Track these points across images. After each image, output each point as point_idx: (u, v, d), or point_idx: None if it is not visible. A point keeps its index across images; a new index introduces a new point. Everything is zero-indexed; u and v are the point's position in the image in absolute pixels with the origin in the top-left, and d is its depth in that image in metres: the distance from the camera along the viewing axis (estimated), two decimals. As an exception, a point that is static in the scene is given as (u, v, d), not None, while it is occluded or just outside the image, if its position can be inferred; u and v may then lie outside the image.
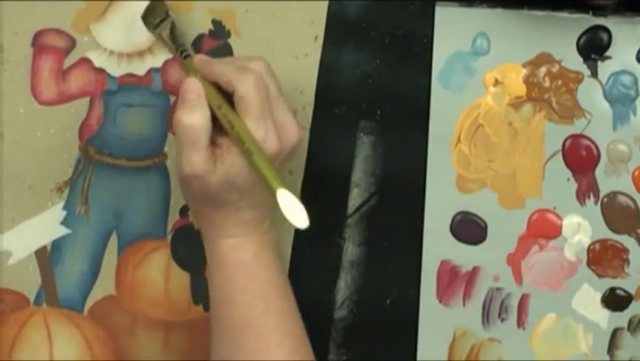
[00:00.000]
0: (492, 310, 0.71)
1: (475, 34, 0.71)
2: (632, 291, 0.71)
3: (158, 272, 0.69)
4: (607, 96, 0.71)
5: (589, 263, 0.71)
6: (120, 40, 0.69)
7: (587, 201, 0.71)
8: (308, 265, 0.70)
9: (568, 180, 0.71)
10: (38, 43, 0.68)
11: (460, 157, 0.71)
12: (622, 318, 0.71)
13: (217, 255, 0.61)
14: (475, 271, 0.71)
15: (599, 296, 0.71)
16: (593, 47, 0.71)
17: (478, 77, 0.71)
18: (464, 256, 0.71)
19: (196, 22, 0.69)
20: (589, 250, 0.71)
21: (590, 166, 0.71)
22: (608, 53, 0.71)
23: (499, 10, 0.71)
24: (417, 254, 0.71)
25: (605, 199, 0.71)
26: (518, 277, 0.71)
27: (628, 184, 0.71)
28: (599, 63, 0.71)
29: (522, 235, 0.71)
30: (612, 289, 0.71)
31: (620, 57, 0.71)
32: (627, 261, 0.71)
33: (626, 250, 0.71)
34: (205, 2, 0.69)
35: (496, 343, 0.71)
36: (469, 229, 0.71)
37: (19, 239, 0.68)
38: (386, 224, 0.71)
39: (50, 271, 0.68)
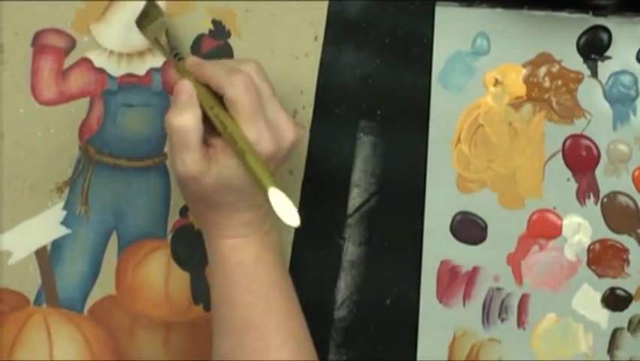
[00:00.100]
0: (492, 310, 0.71)
1: (475, 34, 0.71)
2: (632, 291, 0.71)
3: (158, 272, 0.69)
4: (607, 96, 0.71)
5: (589, 263, 0.71)
6: (120, 40, 0.69)
7: (587, 201, 0.71)
8: (308, 265, 0.70)
9: (568, 180, 0.71)
10: (38, 43, 0.68)
11: (460, 157, 0.71)
12: (622, 318, 0.71)
13: (218, 255, 0.61)
14: (475, 271, 0.71)
15: (599, 296, 0.71)
16: (593, 47, 0.71)
17: (478, 77, 0.71)
18: (464, 256, 0.71)
19: (196, 22, 0.69)
20: (589, 250, 0.71)
21: (590, 166, 0.71)
22: (608, 53, 0.71)
23: (499, 10, 0.71)
24: (417, 254, 0.71)
25: (605, 199, 0.71)
26: (518, 277, 0.71)
27: (628, 184, 0.71)
28: (599, 63, 0.71)
29: (522, 235, 0.71)
30: (612, 289, 0.71)
31: (620, 57, 0.71)
32: (627, 261, 0.71)
33: (626, 250, 0.71)
34: (205, 2, 0.69)
35: (496, 343, 0.71)
36: (469, 229, 0.71)
37: (19, 239, 0.68)
38: (386, 224, 0.71)
39: (50, 271, 0.68)
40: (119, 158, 0.69)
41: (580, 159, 0.71)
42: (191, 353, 0.69)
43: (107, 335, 0.69)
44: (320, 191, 0.70)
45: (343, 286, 0.71)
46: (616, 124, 0.71)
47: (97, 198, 0.69)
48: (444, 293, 0.71)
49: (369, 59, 0.71)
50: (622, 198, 0.71)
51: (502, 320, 0.71)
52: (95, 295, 0.69)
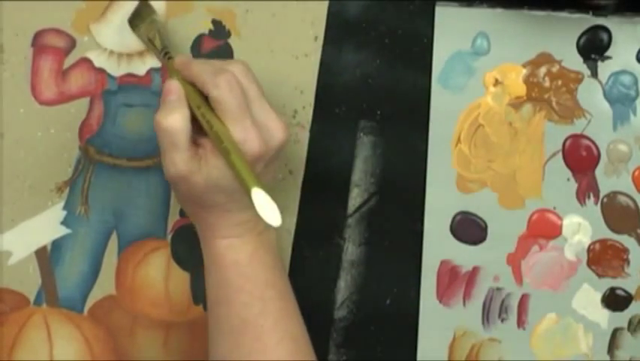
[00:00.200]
0: (492, 310, 0.71)
1: (475, 34, 0.71)
2: (632, 291, 0.71)
3: (158, 272, 0.69)
4: (607, 96, 0.71)
5: (589, 263, 0.71)
6: (120, 40, 0.69)
7: (587, 201, 0.71)
8: (308, 265, 0.70)
9: (568, 180, 0.71)
10: (38, 44, 0.68)
11: (460, 157, 0.71)
12: (622, 318, 0.71)
13: (213, 255, 0.61)
14: (475, 271, 0.71)
15: (599, 296, 0.71)
16: (593, 47, 0.71)
17: (478, 77, 0.71)
18: (464, 256, 0.71)
19: (196, 22, 0.69)
20: (589, 250, 0.71)
21: (590, 166, 0.71)
22: (608, 53, 0.71)
23: (499, 10, 0.71)
24: (417, 254, 0.71)
25: (605, 199, 0.71)
26: (518, 277, 0.71)
27: (628, 184, 0.71)
28: (599, 63, 0.71)
29: (522, 235, 0.71)
30: (612, 289, 0.71)
31: (620, 57, 0.71)
32: (627, 261, 0.71)
33: (626, 250, 0.71)
34: (205, 2, 0.69)
35: (496, 343, 0.71)
36: (469, 229, 0.71)
37: (19, 239, 0.68)
38: (386, 224, 0.71)
39: (50, 271, 0.68)
40: (119, 158, 0.69)
41: (580, 159, 0.71)
42: (191, 353, 0.69)
43: (107, 335, 0.69)
44: (320, 191, 0.70)
45: (343, 286, 0.71)
46: (616, 124, 0.71)
47: (97, 198, 0.69)
48: (444, 293, 0.71)
49: (369, 59, 0.71)
50: (622, 198, 0.71)
51: (502, 320, 0.71)
52: (95, 295, 0.69)
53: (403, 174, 0.71)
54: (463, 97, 0.71)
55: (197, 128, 0.59)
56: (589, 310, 0.71)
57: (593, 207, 0.71)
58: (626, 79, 0.71)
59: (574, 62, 0.71)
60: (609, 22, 0.71)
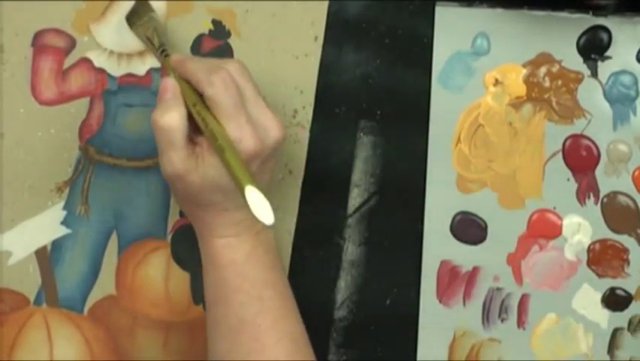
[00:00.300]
0: (492, 310, 0.71)
1: (475, 34, 0.71)
2: (632, 291, 0.71)
3: (158, 272, 0.69)
4: (607, 96, 0.71)
5: (589, 263, 0.71)
6: (120, 40, 0.69)
7: (587, 201, 0.71)
8: (308, 265, 0.70)
9: (568, 180, 0.71)
10: (38, 44, 0.68)
11: (460, 157, 0.71)
12: (622, 318, 0.71)
13: (210, 255, 0.61)
14: (475, 271, 0.71)
15: (599, 296, 0.71)
16: (593, 47, 0.71)
17: (478, 77, 0.71)
18: (464, 256, 0.71)
19: (196, 22, 0.69)
20: (589, 250, 0.71)
21: (590, 166, 0.71)
22: (608, 53, 0.71)
23: (499, 10, 0.71)
24: (417, 254, 0.71)
25: (605, 199, 0.71)
26: (518, 277, 0.71)
27: (628, 184, 0.71)
28: (599, 63, 0.71)
29: (522, 235, 0.71)
30: (612, 289, 0.71)
31: (620, 57, 0.71)
32: (627, 261, 0.71)
33: (626, 250, 0.71)
34: (205, 2, 0.69)
35: (496, 343, 0.71)
36: (469, 229, 0.71)
37: (19, 239, 0.68)
38: (386, 224, 0.71)
39: (50, 271, 0.68)
40: (119, 158, 0.69)
41: (580, 159, 0.71)
42: (191, 353, 0.69)
43: (106, 335, 0.69)
44: (320, 191, 0.70)
45: (343, 286, 0.71)
46: (616, 124, 0.71)
47: (97, 198, 0.69)
48: (444, 293, 0.71)
49: (369, 59, 0.71)
50: (622, 198, 0.71)
51: (502, 320, 0.71)
52: (95, 295, 0.69)
53: (403, 174, 0.71)
54: (463, 97, 0.71)
55: (194, 127, 0.59)
56: (589, 310, 0.71)
57: (593, 207, 0.71)
58: (626, 79, 0.71)
59: (574, 62, 0.71)
60: (609, 22, 0.71)
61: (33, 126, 0.68)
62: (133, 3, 0.68)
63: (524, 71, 0.71)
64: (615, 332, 0.71)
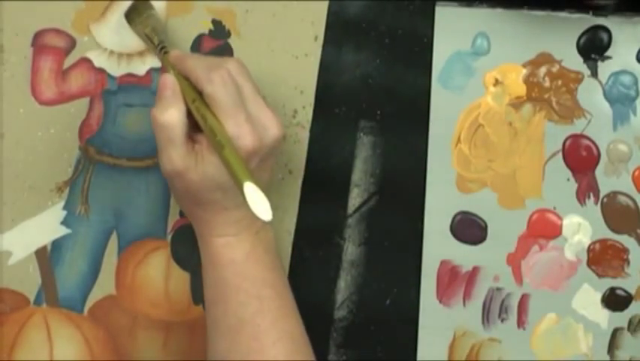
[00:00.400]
0: (492, 310, 0.71)
1: (475, 34, 0.71)
2: (632, 291, 0.71)
3: (158, 272, 0.69)
4: (607, 96, 0.71)
5: (589, 263, 0.71)
6: (120, 40, 0.69)
7: (587, 201, 0.71)
8: (308, 265, 0.70)
9: (568, 180, 0.71)
10: (38, 43, 0.68)
11: (460, 157, 0.71)
12: (622, 318, 0.71)
13: (210, 254, 0.61)
14: (475, 271, 0.71)
15: (599, 296, 0.71)
16: (593, 47, 0.71)
17: (478, 77, 0.71)
18: (464, 256, 0.71)
19: (196, 22, 0.69)
20: (589, 250, 0.71)
21: (590, 166, 0.71)
22: (608, 53, 0.71)
23: (499, 10, 0.71)
24: (417, 254, 0.71)
25: (605, 199, 0.71)
26: (518, 277, 0.71)
27: (628, 184, 0.71)
28: (599, 63, 0.71)
29: (522, 235, 0.71)
30: (612, 289, 0.71)
31: (620, 57, 0.71)
32: (627, 261, 0.71)
33: (626, 250, 0.71)
34: (205, 2, 0.69)
35: (496, 343, 0.71)
36: (469, 229, 0.71)
37: (19, 239, 0.68)
38: (386, 224, 0.71)
39: (50, 271, 0.68)
40: (119, 158, 0.69)
41: (580, 159, 0.71)
42: (191, 353, 0.69)
43: (106, 335, 0.69)
44: (320, 191, 0.70)
45: (343, 286, 0.71)
46: (616, 124, 0.71)
47: (97, 198, 0.69)
48: (444, 293, 0.71)
49: (369, 59, 0.71)
50: (622, 198, 0.71)
51: (502, 320, 0.71)
52: (95, 295, 0.69)
53: (403, 174, 0.71)
54: (463, 97, 0.71)
55: (194, 124, 0.59)
56: (589, 310, 0.71)
57: (593, 207, 0.71)
58: (626, 79, 0.71)
59: (574, 62, 0.71)
60: (609, 22, 0.71)
61: (33, 126, 0.68)
62: (132, 1, 0.68)
63: (524, 71, 0.71)
64: (615, 332, 0.71)
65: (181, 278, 0.69)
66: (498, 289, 0.71)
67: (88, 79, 0.69)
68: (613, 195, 0.71)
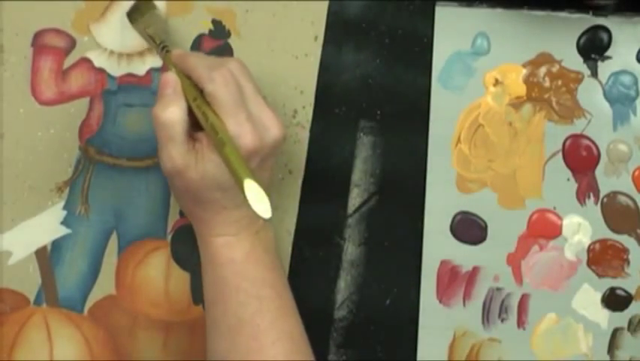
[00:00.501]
0: (492, 310, 0.71)
1: (475, 34, 0.71)
2: (632, 291, 0.71)
3: (158, 272, 0.69)
4: (607, 96, 0.71)
5: (589, 263, 0.71)
6: (120, 40, 0.69)
7: (587, 201, 0.71)
8: (308, 265, 0.70)
9: (568, 180, 0.71)
10: (38, 43, 0.68)
11: (460, 157, 0.71)
12: (622, 318, 0.71)
13: (209, 253, 0.61)
14: (475, 271, 0.71)
15: (599, 296, 0.71)
16: (593, 47, 0.71)
17: (478, 77, 0.71)
18: (464, 256, 0.71)
19: (196, 22, 0.69)
20: (589, 250, 0.71)
21: (590, 166, 0.71)
22: (608, 53, 0.71)
23: (499, 10, 0.71)
24: (417, 254, 0.71)
25: (605, 199, 0.71)
26: (518, 277, 0.71)
27: (628, 184, 0.71)
28: (599, 63, 0.71)
29: (522, 235, 0.71)
30: (612, 289, 0.71)
31: (620, 57, 0.71)
32: (627, 261, 0.71)
33: (626, 250, 0.71)
34: (205, 2, 0.69)
35: (496, 343, 0.71)
36: (469, 229, 0.71)
37: (19, 239, 0.68)
38: (386, 224, 0.71)
39: (50, 271, 0.68)
40: (119, 158, 0.69)
41: (580, 159, 0.71)
42: (191, 353, 0.69)
43: (106, 335, 0.69)
44: (320, 191, 0.70)
45: (343, 286, 0.71)
46: (616, 124, 0.71)
47: (97, 198, 0.69)
48: (444, 293, 0.71)
49: (369, 59, 0.71)
50: (622, 198, 0.71)
51: (502, 320, 0.71)
52: (95, 295, 0.69)
53: (403, 174, 0.71)
54: (463, 97, 0.71)
55: (194, 123, 0.59)
56: (589, 310, 0.71)
57: (593, 207, 0.71)
58: (626, 79, 0.71)
59: (574, 62, 0.71)
60: (609, 22, 0.71)
61: (33, 126, 0.68)
62: (134, 1, 0.68)
63: (524, 71, 0.71)
64: (615, 332, 0.71)
65: (181, 278, 0.69)
66: (498, 289, 0.71)
67: (88, 79, 0.69)
68: (613, 195, 0.71)
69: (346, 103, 0.71)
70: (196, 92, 0.59)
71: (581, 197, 0.71)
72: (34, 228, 0.68)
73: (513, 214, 0.71)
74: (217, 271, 0.60)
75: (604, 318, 0.71)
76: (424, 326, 0.70)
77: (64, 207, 0.68)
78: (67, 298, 0.68)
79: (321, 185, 0.70)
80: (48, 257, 0.68)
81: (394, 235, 0.71)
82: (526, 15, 0.71)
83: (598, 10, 0.71)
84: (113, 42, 0.69)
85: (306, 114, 0.70)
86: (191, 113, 0.59)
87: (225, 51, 0.69)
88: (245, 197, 0.55)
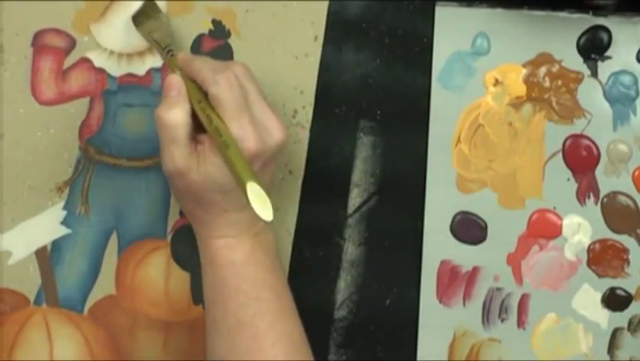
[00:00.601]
0: (492, 310, 0.71)
1: (475, 34, 0.71)
2: (632, 291, 0.71)
3: (158, 272, 0.69)
4: (607, 96, 0.71)
5: (589, 263, 0.71)
6: (120, 40, 0.69)
7: (587, 201, 0.71)
8: (308, 265, 0.70)
9: (568, 180, 0.71)
10: (38, 43, 0.68)
11: (460, 157, 0.71)
12: (622, 318, 0.71)
13: (209, 254, 0.61)
14: (475, 271, 0.71)
15: (599, 296, 0.71)
16: (593, 47, 0.71)
17: (478, 77, 0.71)
18: (464, 256, 0.71)
19: (196, 22, 0.69)
20: (589, 250, 0.71)
21: (590, 166, 0.71)
22: (608, 53, 0.71)
23: (499, 10, 0.71)
24: (417, 254, 0.71)
25: (605, 199, 0.71)
26: (518, 277, 0.71)
27: (628, 184, 0.71)
28: (599, 63, 0.71)
29: (522, 235, 0.71)
30: (612, 289, 0.71)
31: (620, 57, 0.71)
32: (627, 261, 0.71)
33: (626, 250, 0.71)
34: (205, 2, 0.69)
35: (496, 343, 0.71)
36: (469, 229, 0.71)
37: (19, 239, 0.68)
38: (386, 224, 0.71)
39: (50, 271, 0.68)
40: (119, 158, 0.69)
41: (580, 159, 0.71)
42: (191, 353, 0.69)
43: (106, 335, 0.69)
44: (320, 191, 0.70)
45: (343, 286, 0.71)
46: (616, 124, 0.71)
47: (97, 198, 0.69)
48: (444, 293, 0.71)
49: (369, 59, 0.71)
50: (622, 198, 0.71)
51: (502, 320, 0.71)
52: (95, 295, 0.69)
53: (403, 174, 0.71)
54: (463, 97, 0.71)
55: (197, 125, 0.59)
56: (589, 310, 0.71)
57: (593, 207, 0.71)
58: (626, 79, 0.71)
59: (574, 62, 0.71)
60: (609, 22, 0.71)
61: (33, 126, 0.68)
62: (134, 4, 0.68)
63: (524, 71, 0.71)
64: (615, 332, 0.71)
65: (181, 278, 0.69)
66: (498, 289, 0.71)
67: (88, 79, 0.69)
68: (613, 195, 0.71)
69: (346, 103, 0.71)
70: (201, 95, 0.59)
71: (581, 197, 0.71)
72: (34, 228, 0.68)
73: (513, 214, 0.71)
74: (217, 272, 0.60)
75: (604, 318, 0.71)
76: (424, 326, 0.70)
77: (64, 207, 0.68)
78: (67, 298, 0.68)
79: (321, 185, 0.70)
80: (48, 257, 0.68)
81: (394, 235, 0.71)
82: (526, 15, 0.71)
83: (598, 10, 0.71)
84: (113, 42, 0.69)
85: (306, 114, 0.70)
86: (193, 115, 0.59)
87: (225, 51, 0.69)
88: (247, 199, 0.55)
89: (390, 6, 0.71)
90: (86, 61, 0.69)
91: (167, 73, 0.68)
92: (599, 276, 0.71)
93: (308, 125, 0.70)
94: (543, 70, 0.71)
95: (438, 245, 0.71)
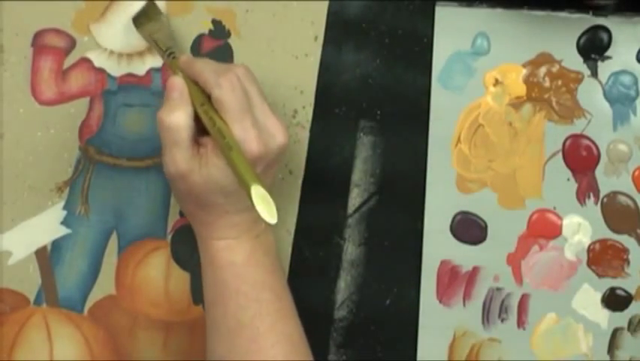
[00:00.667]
0: (492, 310, 0.71)
1: (475, 34, 0.71)
2: (632, 291, 0.71)
3: (158, 272, 0.69)
4: (607, 96, 0.71)
5: (589, 263, 0.71)
6: (120, 40, 0.69)
7: (587, 201, 0.71)
8: (308, 265, 0.70)
9: (568, 180, 0.71)
10: (38, 44, 0.68)
11: (460, 157, 0.71)
12: (622, 318, 0.71)
13: (209, 256, 0.61)
14: (475, 271, 0.71)
15: (599, 296, 0.71)
16: (593, 47, 0.71)
17: (478, 77, 0.71)
18: (464, 256, 0.71)
19: (196, 22, 0.69)
20: (589, 250, 0.71)
21: (590, 166, 0.71)
22: (608, 53, 0.71)
23: (499, 10, 0.71)
24: (417, 254, 0.71)
25: (605, 199, 0.71)
26: (518, 277, 0.71)
27: (628, 184, 0.71)
28: (599, 63, 0.71)
29: (522, 235, 0.71)
30: (612, 289, 0.71)
31: (620, 57, 0.71)
32: (627, 261, 0.71)
33: (626, 250, 0.71)
34: (205, 2, 0.69)
35: (496, 343, 0.71)
36: (469, 229, 0.71)
37: (19, 239, 0.68)
38: (386, 224, 0.71)
39: (50, 271, 0.68)
40: (119, 158, 0.69)
41: (580, 159, 0.71)
42: (191, 353, 0.69)
43: (106, 335, 0.69)
44: (320, 191, 0.70)
45: (343, 286, 0.71)
46: (616, 124, 0.71)
47: (97, 198, 0.69)
48: (444, 293, 0.71)
49: (369, 59, 0.71)
50: (622, 198, 0.71)
51: (502, 320, 0.71)
52: (95, 295, 0.69)
53: (403, 174, 0.71)
54: (463, 97, 0.71)
55: (199, 128, 0.59)
56: (589, 310, 0.71)
57: (593, 207, 0.71)
58: (626, 79, 0.71)
59: (574, 62, 0.71)
60: (609, 22, 0.71)
61: (33, 126, 0.68)
62: (134, 4, 0.68)
63: (524, 71, 0.71)
64: (615, 332, 0.71)
65: (181, 278, 0.69)
66: (498, 289, 0.71)
67: (88, 79, 0.69)
68: (613, 195, 0.71)
69: (346, 103, 0.71)
70: (203, 98, 0.59)
71: (581, 197, 0.71)
72: (34, 228, 0.68)
73: (513, 214, 0.71)
74: (217, 273, 0.60)
75: (604, 318, 0.71)
76: (424, 326, 0.70)
77: (64, 207, 0.68)
78: (67, 298, 0.68)
79: (321, 185, 0.70)
80: (48, 257, 0.68)
81: (394, 235, 0.71)
82: (526, 15, 0.71)
83: (598, 10, 0.71)
84: (113, 42, 0.69)
85: (306, 114, 0.70)
86: (195, 117, 0.59)
87: (225, 51, 0.69)
88: (251, 202, 0.55)
89: (390, 6, 0.71)
90: (85, 61, 0.69)
91: (168, 74, 0.68)
92: (599, 276, 0.71)
93: (308, 125, 0.70)
94: (543, 70, 0.71)
95: (438, 245, 0.71)
